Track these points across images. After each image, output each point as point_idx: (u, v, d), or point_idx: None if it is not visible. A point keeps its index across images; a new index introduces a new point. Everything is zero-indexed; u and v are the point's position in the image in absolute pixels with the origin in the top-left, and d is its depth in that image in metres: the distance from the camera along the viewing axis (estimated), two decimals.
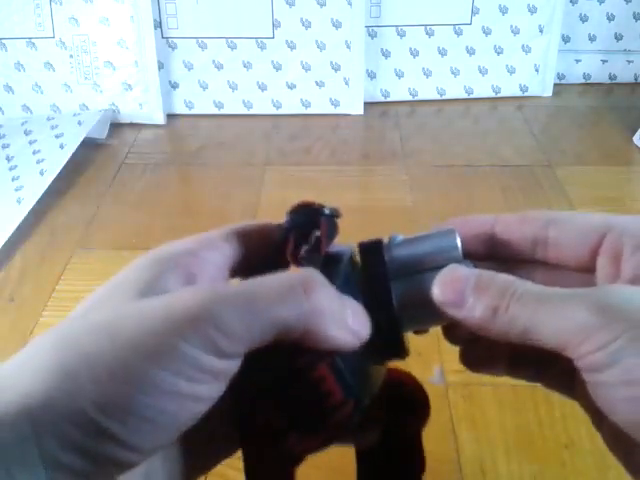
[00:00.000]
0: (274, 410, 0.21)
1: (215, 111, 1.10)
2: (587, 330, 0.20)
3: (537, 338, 0.21)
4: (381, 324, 0.23)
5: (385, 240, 0.25)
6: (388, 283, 0.23)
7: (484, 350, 0.26)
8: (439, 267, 0.23)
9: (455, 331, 0.27)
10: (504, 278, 0.22)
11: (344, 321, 0.21)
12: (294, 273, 0.22)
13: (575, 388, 0.25)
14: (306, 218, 0.24)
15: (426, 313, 0.24)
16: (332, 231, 0.25)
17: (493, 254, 0.26)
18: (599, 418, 0.23)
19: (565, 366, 0.23)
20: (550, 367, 0.26)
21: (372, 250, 0.25)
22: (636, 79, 1.19)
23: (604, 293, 0.21)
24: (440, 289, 0.23)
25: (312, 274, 0.21)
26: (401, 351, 0.25)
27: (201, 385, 0.19)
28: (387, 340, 0.24)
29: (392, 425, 0.27)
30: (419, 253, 0.24)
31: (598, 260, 0.24)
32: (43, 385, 0.18)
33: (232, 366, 0.20)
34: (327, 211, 0.25)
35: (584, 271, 0.25)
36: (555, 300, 0.21)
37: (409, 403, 0.27)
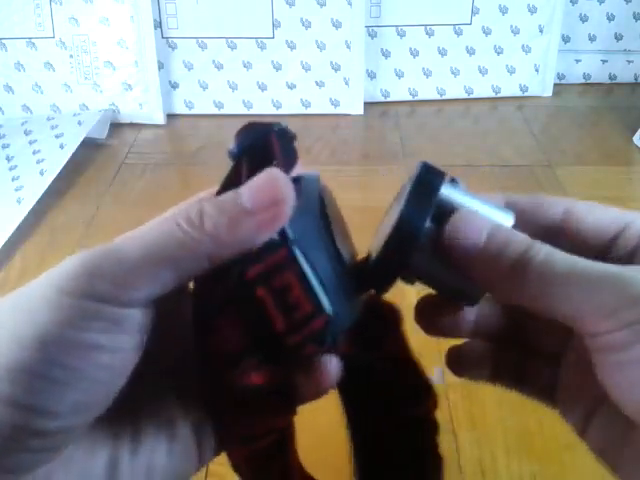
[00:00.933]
0: (228, 329, 0.19)
1: (215, 111, 1.10)
2: (613, 307, 0.19)
3: (553, 307, 0.20)
4: (391, 245, 0.20)
5: (447, 178, 0.23)
6: (428, 209, 0.21)
7: (470, 354, 0.26)
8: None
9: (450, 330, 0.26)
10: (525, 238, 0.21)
11: (241, 212, 0.20)
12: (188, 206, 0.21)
13: (557, 396, 0.24)
14: (256, 138, 0.22)
15: (443, 272, 0.22)
16: (289, 151, 0.22)
17: None
18: (583, 425, 0.23)
19: (549, 373, 0.22)
20: (534, 374, 0.25)
21: (433, 175, 0.22)
22: (636, 79, 1.19)
23: (635, 273, 0.20)
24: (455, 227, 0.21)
25: (205, 196, 0.21)
26: (387, 283, 0.22)
27: (101, 335, 0.18)
28: (384, 266, 0.21)
29: (371, 346, 0.24)
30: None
31: (613, 254, 0.23)
32: None
33: (135, 315, 0.19)
34: (276, 128, 0.22)
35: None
36: (581, 271, 0.20)
37: (383, 318, 0.25)
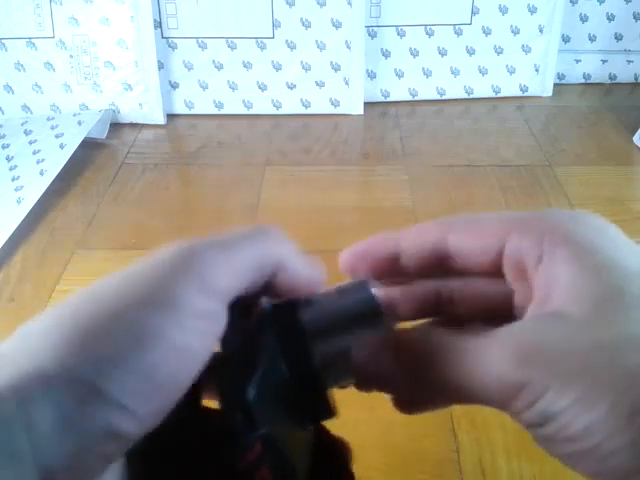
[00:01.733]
0: None
1: (215, 111, 1.10)
2: (512, 387, 0.18)
3: (469, 396, 0.19)
4: (305, 386, 0.22)
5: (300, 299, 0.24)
6: (306, 344, 0.22)
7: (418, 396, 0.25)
8: (359, 321, 0.23)
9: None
10: (410, 337, 0.21)
11: (305, 260, 0.22)
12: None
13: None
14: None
15: (349, 370, 0.23)
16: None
17: (404, 271, 0.24)
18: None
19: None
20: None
21: (286, 312, 0.23)
22: (636, 79, 1.19)
23: (518, 337, 0.18)
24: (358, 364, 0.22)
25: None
26: (330, 410, 0.23)
27: (194, 335, 0.18)
28: (314, 402, 0.22)
29: None
30: (336, 310, 0.23)
31: (505, 273, 0.21)
32: (34, 360, 0.16)
33: (220, 312, 0.19)
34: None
35: (499, 277, 0.22)
36: (472, 354, 0.19)
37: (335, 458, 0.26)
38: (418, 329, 0.24)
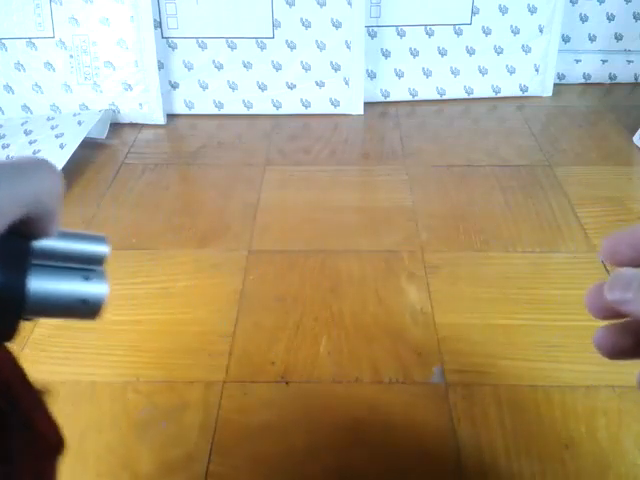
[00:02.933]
0: None
1: (215, 111, 1.10)
2: None
3: None
4: (4, 297, 0.21)
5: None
6: (28, 257, 0.22)
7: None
8: (83, 267, 0.24)
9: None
10: None
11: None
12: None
13: None
14: None
15: (59, 306, 0.23)
16: None
17: None
18: None
19: None
20: None
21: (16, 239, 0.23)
22: (636, 79, 1.19)
23: None
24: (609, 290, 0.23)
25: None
26: (12, 333, 0.23)
27: None
28: (4, 319, 0.22)
29: None
30: (69, 248, 0.24)
31: None
32: None
33: None
34: None
35: None
36: None
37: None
38: None
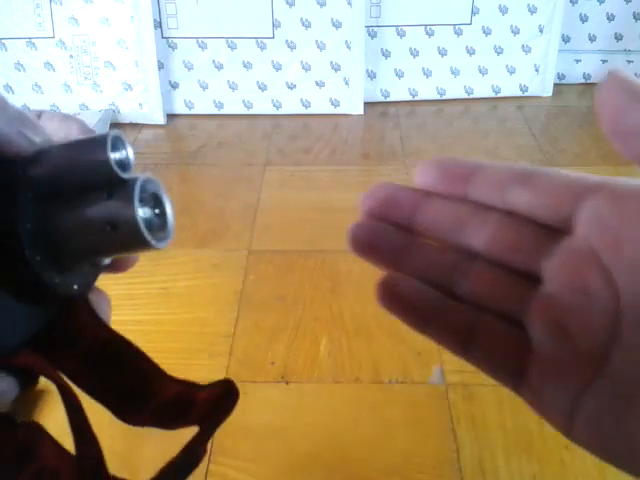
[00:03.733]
0: None
1: (215, 111, 1.10)
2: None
3: None
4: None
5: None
6: (15, 198, 0.18)
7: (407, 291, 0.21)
8: (89, 186, 0.19)
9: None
10: None
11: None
12: None
13: (526, 372, 0.19)
14: None
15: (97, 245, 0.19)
16: None
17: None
18: (569, 415, 0.18)
19: (514, 337, 0.19)
20: (504, 349, 0.20)
21: (6, 167, 0.19)
22: None
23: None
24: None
25: None
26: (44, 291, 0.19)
27: None
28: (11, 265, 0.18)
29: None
30: (66, 168, 0.19)
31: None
32: None
33: None
34: None
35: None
36: None
37: None
38: None
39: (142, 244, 0.18)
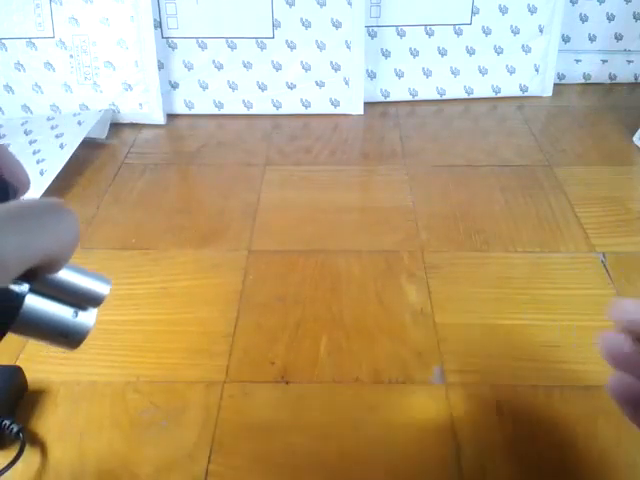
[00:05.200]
0: None
1: (215, 111, 1.10)
2: None
3: None
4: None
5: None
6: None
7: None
8: (80, 303, 0.24)
9: None
10: None
11: None
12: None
13: None
14: None
15: (39, 332, 0.23)
16: None
17: None
18: None
19: None
20: None
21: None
22: (636, 79, 1.19)
23: None
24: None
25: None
26: None
27: None
28: None
29: None
30: (70, 285, 0.24)
31: None
32: None
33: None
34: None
35: None
36: None
37: None
38: None
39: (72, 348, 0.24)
